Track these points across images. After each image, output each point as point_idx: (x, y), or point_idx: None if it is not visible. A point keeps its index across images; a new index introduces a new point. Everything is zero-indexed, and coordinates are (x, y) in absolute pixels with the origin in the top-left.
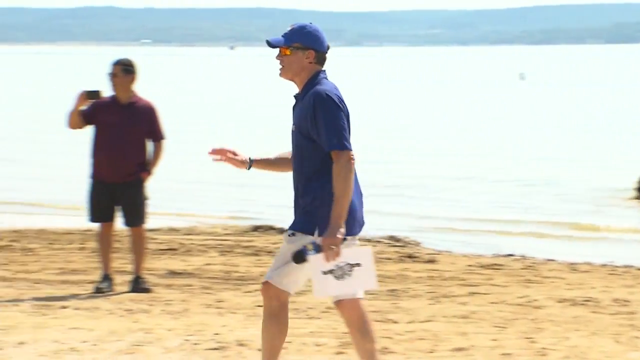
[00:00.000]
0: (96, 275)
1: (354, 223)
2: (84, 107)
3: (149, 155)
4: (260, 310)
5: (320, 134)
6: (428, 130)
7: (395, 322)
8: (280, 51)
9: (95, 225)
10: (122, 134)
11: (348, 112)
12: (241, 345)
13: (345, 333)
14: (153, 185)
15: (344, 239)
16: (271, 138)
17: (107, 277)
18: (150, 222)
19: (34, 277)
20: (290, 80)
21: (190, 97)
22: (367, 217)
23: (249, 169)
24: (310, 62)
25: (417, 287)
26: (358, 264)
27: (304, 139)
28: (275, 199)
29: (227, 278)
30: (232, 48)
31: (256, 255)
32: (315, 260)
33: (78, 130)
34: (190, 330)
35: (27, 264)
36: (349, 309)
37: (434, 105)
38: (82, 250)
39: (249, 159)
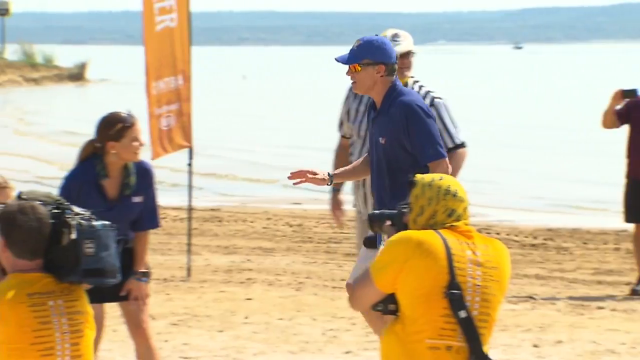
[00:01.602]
0: (631, 277)
1: None
2: (618, 106)
3: None
4: None
5: (415, 146)
6: None
7: None
8: (349, 67)
9: (631, 226)
10: None
11: (434, 117)
12: None
13: None
14: None
15: None
16: None
17: None
18: None
19: (569, 277)
20: (365, 94)
21: None
22: None
23: (330, 184)
24: (382, 76)
25: None
26: None
27: (400, 150)
28: None
29: None
30: None
31: None
32: None
33: (612, 130)
34: None
35: (562, 262)
36: None
37: None
38: (616, 251)
39: (329, 174)
